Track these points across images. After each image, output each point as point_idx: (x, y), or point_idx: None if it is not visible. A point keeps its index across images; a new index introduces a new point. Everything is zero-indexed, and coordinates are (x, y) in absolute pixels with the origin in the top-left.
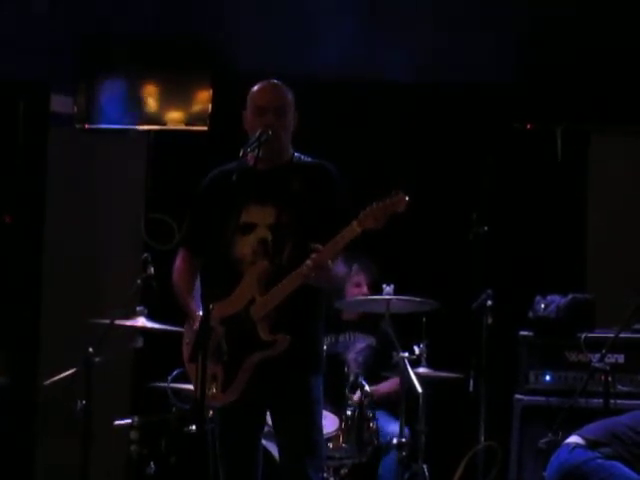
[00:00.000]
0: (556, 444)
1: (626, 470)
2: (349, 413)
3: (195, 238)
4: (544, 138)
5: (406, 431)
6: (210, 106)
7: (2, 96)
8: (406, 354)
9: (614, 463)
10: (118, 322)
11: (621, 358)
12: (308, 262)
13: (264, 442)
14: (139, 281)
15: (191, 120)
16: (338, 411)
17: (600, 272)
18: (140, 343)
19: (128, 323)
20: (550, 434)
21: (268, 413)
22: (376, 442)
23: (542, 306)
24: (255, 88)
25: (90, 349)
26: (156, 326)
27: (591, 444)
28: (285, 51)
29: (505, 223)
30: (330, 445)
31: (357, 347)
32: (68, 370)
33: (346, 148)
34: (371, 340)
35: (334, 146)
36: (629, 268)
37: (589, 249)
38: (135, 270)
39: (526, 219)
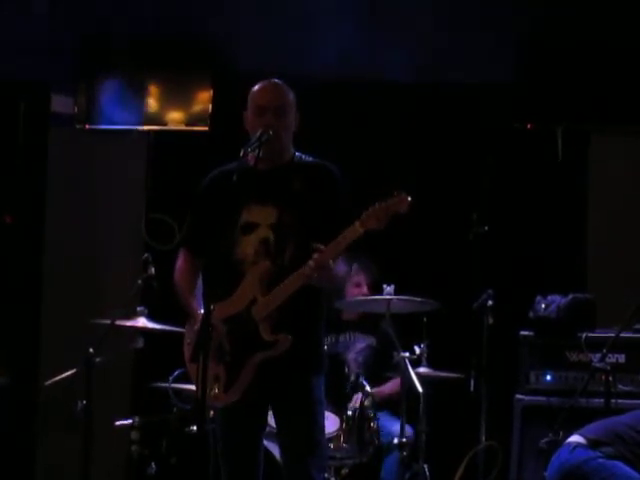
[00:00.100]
0: (557, 444)
1: (627, 469)
2: (350, 413)
3: (196, 238)
4: (544, 138)
5: (409, 430)
6: (210, 106)
7: (2, 96)
8: (407, 354)
9: (615, 462)
10: (118, 322)
11: (622, 358)
12: (310, 262)
13: (265, 442)
14: (140, 281)
15: (191, 120)
16: (339, 411)
17: (601, 272)
18: (140, 343)
19: (128, 323)
20: (551, 434)
21: (269, 413)
22: (377, 442)
23: (543, 306)
24: (256, 88)
25: (90, 349)
26: (156, 326)
27: (592, 443)
28: (285, 51)
29: (505, 223)
30: (331, 445)
31: (357, 347)
32: (68, 370)
33: (346, 148)
34: (371, 340)
35: (334, 146)
36: (629, 268)
37: (589, 249)
38: (135, 270)
39: (526, 219)
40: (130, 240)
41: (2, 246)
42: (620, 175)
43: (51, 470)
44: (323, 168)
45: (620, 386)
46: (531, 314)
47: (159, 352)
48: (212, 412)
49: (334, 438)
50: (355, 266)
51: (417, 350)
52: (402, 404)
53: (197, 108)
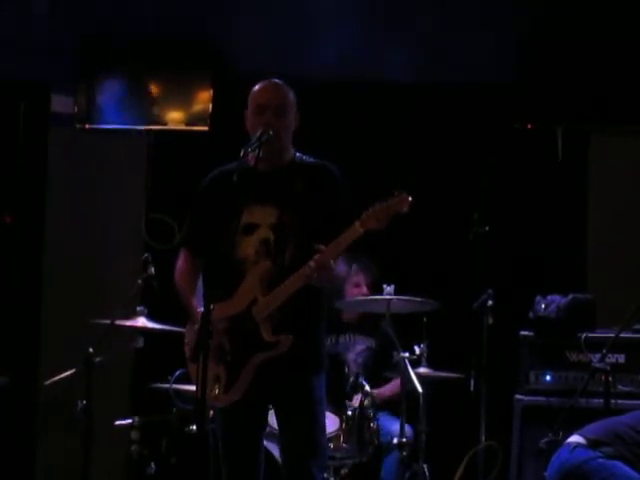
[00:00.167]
0: (557, 444)
1: (627, 469)
2: (350, 413)
3: (196, 239)
4: (544, 138)
5: (409, 430)
6: (210, 106)
7: (2, 96)
8: (407, 354)
9: (615, 462)
10: (118, 322)
11: (622, 358)
12: (310, 263)
13: (265, 442)
14: (140, 281)
15: (191, 120)
16: (338, 411)
17: (601, 272)
18: (140, 343)
19: (128, 323)
20: (551, 434)
21: (270, 413)
22: (377, 442)
23: (542, 306)
24: (256, 87)
25: (90, 349)
26: (156, 326)
27: (592, 443)
28: (285, 51)
29: (505, 223)
30: (331, 445)
31: (357, 349)
32: (68, 370)
33: (346, 148)
34: (371, 342)
35: (334, 146)
36: (629, 268)
37: (589, 249)
38: (135, 270)
39: (526, 219)
40: (130, 240)
41: (2, 246)
42: (620, 175)
43: (51, 470)
44: (323, 168)
45: (620, 386)
46: (531, 314)
47: (159, 352)
48: (212, 412)
49: (334, 438)
50: (355, 266)
51: (417, 350)
52: (402, 404)
53: (197, 108)
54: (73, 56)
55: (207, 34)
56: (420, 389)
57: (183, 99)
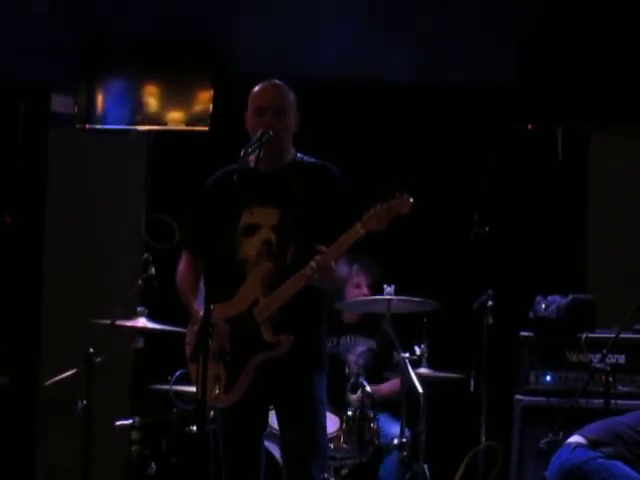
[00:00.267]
0: (557, 444)
1: (627, 470)
2: (350, 413)
3: (198, 240)
4: (544, 138)
5: (408, 434)
6: (211, 106)
7: (2, 96)
8: (407, 354)
9: (615, 463)
10: (119, 322)
11: (622, 358)
12: (312, 263)
13: (265, 443)
14: (140, 281)
15: (192, 120)
16: (339, 411)
17: (601, 272)
18: (141, 343)
19: (129, 323)
20: (551, 434)
21: (270, 414)
22: (377, 442)
23: (543, 306)
24: (256, 88)
25: (91, 349)
26: (157, 326)
27: (592, 444)
28: (285, 51)
29: (505, 223)
30: (331, 445)
31: (358, 350)
32: (69, 370)
33: (346, 148)
34: (371, 343)
35: (334, 146)
36: (629, 268)
37: (589, 249)
38: (136, 270)
39: (526, 219)
40: (130, 240)
41: (2, 246)
42: (620, 175)
43: (51, 470)
44: (324, 169)
45: (620, 387)
46: (531, 314)
47: (159, 352)
48: (212, 412)
49: (334, 438)
50: (355, 267)
51: (417, 350)
52: (402, 404)
53: (197, 108)
54: (73, 56)
55: (207, 34)
56: (420, 389)
57: (183, 99)
